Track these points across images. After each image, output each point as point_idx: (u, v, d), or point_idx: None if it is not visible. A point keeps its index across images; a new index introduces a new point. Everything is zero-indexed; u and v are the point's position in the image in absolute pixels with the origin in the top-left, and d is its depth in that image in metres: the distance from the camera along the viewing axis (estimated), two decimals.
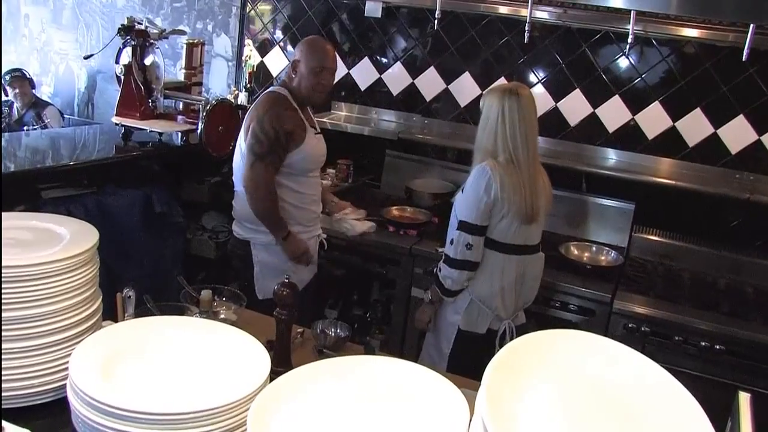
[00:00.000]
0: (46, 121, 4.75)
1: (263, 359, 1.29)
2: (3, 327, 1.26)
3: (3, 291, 1.26)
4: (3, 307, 1.26)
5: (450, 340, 2.79)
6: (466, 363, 2.65)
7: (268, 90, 2.99)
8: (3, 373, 1.28)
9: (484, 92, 2.75)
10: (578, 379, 1.08)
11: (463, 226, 2.64)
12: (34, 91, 4.95)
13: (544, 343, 1.14)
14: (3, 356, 1.27)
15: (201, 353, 1.31)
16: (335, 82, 3.27)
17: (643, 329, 2.94)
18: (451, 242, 2.68)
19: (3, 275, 1.25)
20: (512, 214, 2.63)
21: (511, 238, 2.68)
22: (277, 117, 2.81)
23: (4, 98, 4.87)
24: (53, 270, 1.31)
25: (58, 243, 1.41)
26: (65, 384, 1.24)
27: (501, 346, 2.71)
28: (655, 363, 1.16)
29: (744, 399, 1.09)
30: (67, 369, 1.23)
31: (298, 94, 2.93)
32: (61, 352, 1.34)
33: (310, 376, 1.23)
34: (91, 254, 1.42)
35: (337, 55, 4.15)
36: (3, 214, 1.40)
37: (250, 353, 1.31)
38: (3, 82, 4.83)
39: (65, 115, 5.06)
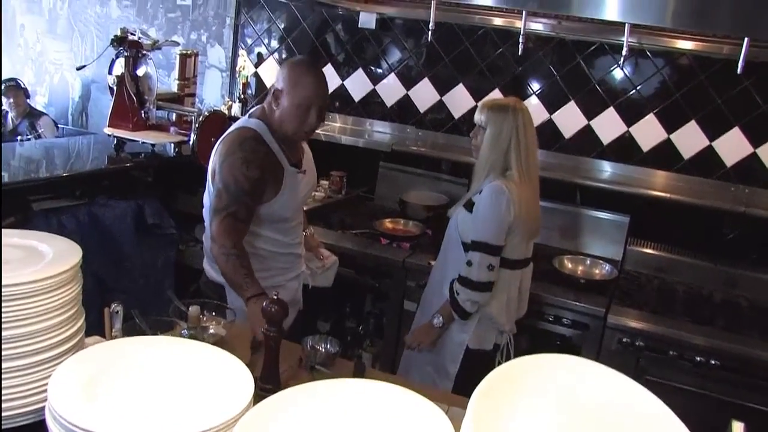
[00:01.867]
0: (40, 131, 4.73)
1: (246, 381, 1.27)
2: None
3: None
4: None
5: (457, 360, 2.75)
6: (474, 381, 2.62)
7: (238, 126, 2.50)
8: None
9: (482, 106, 2.70)
10: (566, 405, 1.06)
11: (483, 247, 2.60)
12: (28, 101, 4.94)
13: (532, 369, 1.12)
14: None
15: (184, 375, 1.29)
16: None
17: (637, 344, 2.92)
18: (469, 264, 2.63)
19: None
20: (524, 230, 2.64)
21: (518, 254, 2.70)
22: (240, 164, 2.34)
23: None
24: (34, 290, 1.29)
25: (39, 261, 1.39)
26: (45, 405, 1.22)
27: (505, 359, 2.74)
28: (645, 389, 1.14)
29: (738, 428, 1.07)
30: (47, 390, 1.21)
31: (278, 129, 2.46)
32: (41, 374, 1.32)
33: (292, 399, 1.20)
34: (73, 273, 1.40)
35: (332, 67, 4.21)
36: None
37: (233, 375, 1.29)
38: None
39: (59, 125, 5.05)
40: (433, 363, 2.83)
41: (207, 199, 2.55)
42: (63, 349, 1.36)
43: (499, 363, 2.75)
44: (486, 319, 2.70)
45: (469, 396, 1.91)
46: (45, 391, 1.22)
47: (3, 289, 1.26)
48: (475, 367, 2.73)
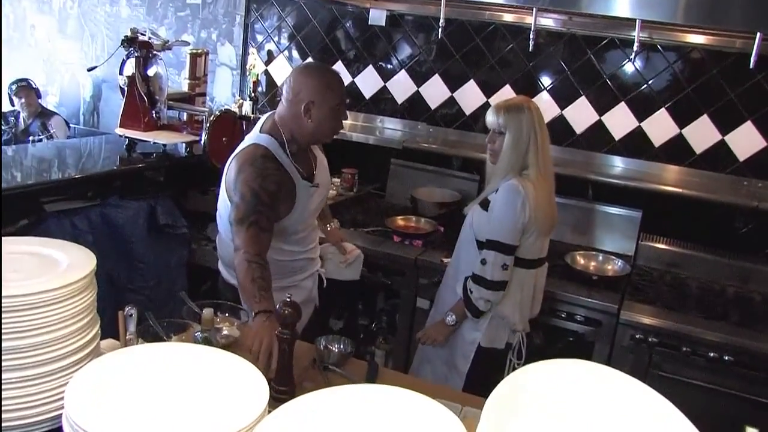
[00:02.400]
0: (52, 131, 4.76)
1: (261, 388, 1.27)
2: None
3: None
4: None
5: (468, 358, 2.76)
6: (485, 379, 2.63)
7: (248, 143, 2.44)
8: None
9: (497, 110, 2.64)
10: (579, 411, 1.06)
11: (498, 246, 2.60)
12: (40, 101, 4.96)
13: (545, 374, 1.12)
14: None
15: (200, 381, 1.29)
16: None
17: (650, 340, 2.91)
18: (483, 262, 2.63)
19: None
20: (539, 229, 2.65)
21: (533, 254, 2.70)
22: (255, 177, 2.30)
23: (10, 108, 4.88)
24: (49, 299, 1.30)
25: (54, 270, 1.40)
26: (62, 413, 1.23)
27: (518, 357, 2.74)
28: (655, 392, 1.13)
29: None
30: (63, 398, 1.22)
31: (304, 139, 2.46)
32: (57, 381, 1.33)
33: (308, 406, 1.21)
34: (88, 281, 1.41)
35: (342, 64, 4.21)
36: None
37: (248, 381, 1.29)
38: (9, 92, 4.84)
39: (71, 125, 5.07)
40: (445, 360, 2.84)
41: (222, 209, 2.51)
42: (79, 356, 1.38)
43: (511, 362, 2.77)
44: (498, 317, 2.70)
45: (480, 394, 1.94)
46: (62, 398, 1.24)
47: (17, 299, 1.27)
48: (486, 366, 2.74)
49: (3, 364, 1.27)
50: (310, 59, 4.31)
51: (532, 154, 2.61)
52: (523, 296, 2.72)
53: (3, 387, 1.27)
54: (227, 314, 2.23)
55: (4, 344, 1.26)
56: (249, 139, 2.48)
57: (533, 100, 2.79)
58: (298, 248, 2.59)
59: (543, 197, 2.63)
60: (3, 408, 1.28)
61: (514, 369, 2.71)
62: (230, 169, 2.39)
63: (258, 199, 2.28)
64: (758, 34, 2.50)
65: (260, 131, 2.47)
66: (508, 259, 2.61)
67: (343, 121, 2.52)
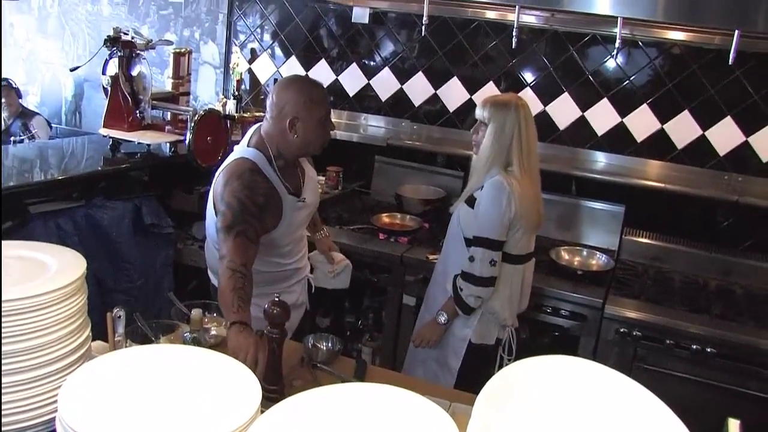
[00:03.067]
0: (34, 132, 4.72)
1: (254, 389, 1.28)
2: None
3: None
4: None
5: (459, 355, 2.78)
6: (476, 375, 2.65)
7: (236, 157, 2.42)
8: None
9: (484, 103, 2.68)
10: (567, 407, 1.08)
11: (485, 242, 2.63)
12: (20, 100, 4.92)
13: (534, 371, 1.14)
14: None
15: (193, 383, 1.30)
16: None
17: (634, 333, 2.95)
18: (471, 259, 2.65)
19: None
20: (525, 225, 2.67)
21: (520, 249, 2.72)
22: (242, 189, 2.27)
23: None
24: (39, 303, 1.30)
25: (44, 274, 1.40)
26: (56, 417, 1.24)
27: (508, 353, 2.76)
28: (643, 387, 1.16)
29: (734, 426, 1.09)
30: (57, 402, 1.22)
31: (291, 155, 2.45)
32: (50, 385, 1.34)
33: (299, 407, 1.22)
34: (78, 285, 1.41)
35: (326, 62, 4.22)
36: None
37: (241, 382, 1.31)
38: None
39: (53, 125, 5.03)
40: (436, 358, 2.86)
41: (210, 219, 2.46)
42: (71, 360, 1.38)
43: (501, 357, 2.79)
44: (489, 313, 2.73)
45: (471, 391, 1.96)
46: (55, 402, 1.24)
47: (8, 304, 1.27)
48: (477, 362, 2.76)
49: None
50: (293, 58, 4.31)
51: (515, 150, 2.63)
52: (512, 291, 2.74)
53: None
54: (215, 314, 2.24)
55: None
56: (237, 152, 2.45)
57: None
58: (285, 260, 2.58)
59: (528, 193, 2.65)
60: None
61: (504, 365, 2.74)
62: (218, 181, 2.35)
63: (245, 208, 2.23)
64: (736, 30, 2.53)
65: (248, 145, 2.45)
66: (496, 254, 2.63)
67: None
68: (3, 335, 1.27)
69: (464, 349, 2.76)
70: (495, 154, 2.64)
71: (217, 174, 2.41)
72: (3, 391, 1.29)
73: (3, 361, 1.28)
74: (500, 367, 2.76)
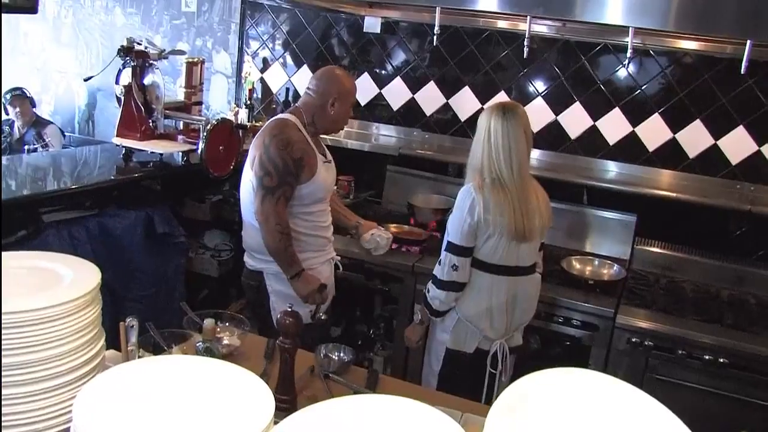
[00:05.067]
0: (47, 140, 4.76)
1: (267, 399, 1.29)
2: (4, 373, 1.26)
3: (3, 337, 1.26)
4: (3, 352, 1.26)
5: (439, 358, 2.80)
6: (455, 381, 2.67)
7: (275, 117, 2.87)
8: (9, 418, 1.28)
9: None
10: (580, 420, 1.08)
11: (449, 246, 2.66)
12: (34, 109, 4.96)
13: (548, 384, 1.14)
14: (7, 402, 1.28)
15: (206, 394, 1.31)
16: None
17: (646, 343, 2.94)
18: (440, 263, 2.70)
19: (2, 321, 1.25)
20: (499, 235, 2.62)
21: (499, 259, 2.66)
22: (285, 144, 2.69)
23: (4, 117, 4.87)
24: (54, 314, 1.31)
25: (58, 284, 1.41)
26: (70, 427, 1.24)
27: (493, 366, 2.74)
28: (652, 398, 1.15)
29: None
30: (71, 412, 1.23)
31: (321, 126, 2.88)
32: (65, 395, 1.34)
33: (315, 418, 1.23)
34: (93, 296, 1.42)
35: None
36: (3, 254, 1.40)
37: (255, 394, 1.31)
38: (3, 101, 4.84)
39: (66, 133, 5.08)
40: (428, 363, 2.90)
41: (249, 189, 2.80)
42: (85, 370, 1.39)
43: (491, 372, 2.76)
44: (464, 321, 2.72)
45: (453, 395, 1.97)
46: (69, 413, 1.25)
47: (24, 315, 1.28)
48: (454, 368, 2.77)
49: (11, 379, 1.28)
50: (305, 67, 4.33)
51: (485, 157, 2.62)
52: (493, 303, 2.69)
53: (12, 402, 1.29)
54: (227, 324, 2.25)
55: (11, 360, 1.27)
56: (275, 117, 2.88)
57: (527, 105, 2.81)
58: (318, 220, 2.90)
59: (501, 202, 2.59)
60: (13, 422, 1.29)
61: (496, 378, 2.74)
62: (260, 137, 2.77)
63: (287, 169, 2.68)
64: (749, 40, 2.53)
65: (282, 114, 2.90)
66: (458, 260, 2.63)
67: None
68: (17, 345, 1.28)
69: (443, 354, 2.78)
70: (472, 160, 2.69)
71: (257, 136, 2.83)
72: (19, 401, 1.30)
73: (17, 372, 1.29)
74: (491, 379, 2.75)
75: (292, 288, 2.80)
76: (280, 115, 2.87)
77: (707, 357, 2.86)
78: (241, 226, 2.97)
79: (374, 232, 3.25)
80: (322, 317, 2.85)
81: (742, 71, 2.63)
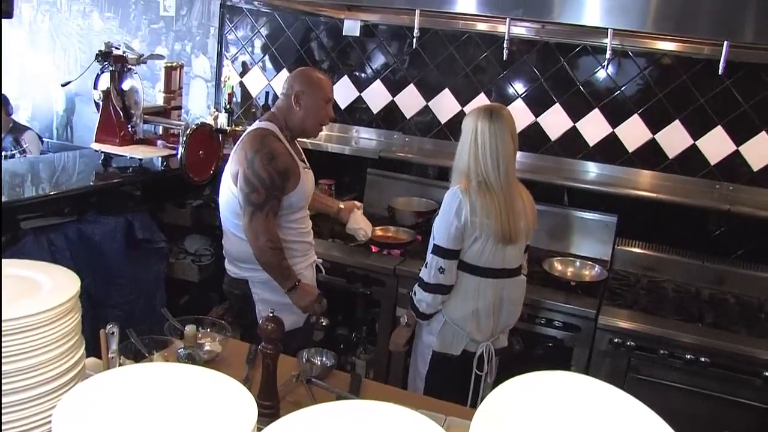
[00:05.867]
0: (25, 146, 4.70)
1: (250, 406, 1.28)
2: None
3: None
4: None
5: (426, 361, 2.79)
6: (442, 384, 2.67)
7: (253, 128, 2.78)
8: None
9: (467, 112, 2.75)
10: (565, 424, 1.08)
11: (435, 249, 2.65)
12: (11, 115, 4.90)
13: (532, 387, 1.14)
14: None
15: (188, 401, 1.29)
16: None
17: (628, 344, 2.95)
18: (426, 266, 2.69)
19: None
20: (486, 237, 2.61)
21: (485, 262, 2.66)
22: (270, 159, 2.63)
23: None
24: (33, 323, 1.29)
25: (38, 293, 1.39)
26: None
27: (479, 368, 2.74)
28: (635, 398, 1.16)
29: None
30: (51, 422, 1.22)
31: (294, 128, 2.80)
32: (45, 405, 1.32)
33: (299, 424, 1.22)
34: (72, 303, 1.41)
35: None
36: None
37: (237, 400, 1.30)
38: None
39: (44, 139, 5.02)
40: (414, 365, 2.90)
41: (230, 199, 2.78)
42: (65, 379, 1.37)
43: (477, 374, 2.76)
44: (452, 324, 2.72)
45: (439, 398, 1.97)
46: (49, 423, 1.23)
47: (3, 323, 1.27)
48: (441, 371, 2.76)
49: None
50: (285, 71, 4.32)
51: (472, 160, 2.62)
52: (480, 306, 2.69)
53: None
54: (209, 330, 2.24)
55: None
56: (251, 126, 2.82)
57: (507, 107, 2.79)
58: (300, 227, 2.86)
59: (488, 204, 2.58)
60: None
61: (481, 380, 2.74)
62: (241, 151, 2.69)
63: (274, 183, 2.63)
64: (725, 41, 2.55)
65: (258, 121, 2.83)
66: (443, 262, 2.63)
67: (320, 132, 2.98)
68: None
69: (430, 356, 2.77)
70: (458, 162, 2.68)
71: (235, 147, 2.77)
72: None
73: None
74: (476, 381, 2.75)
75: (289, 299, 2.77)
76: (258, 124, 2.79)
77: (688, 356, 2.87)
78: (222, 232, 2.94)
79: (352, 224, 3.32)
80: (323, 323, 2.90)
81: (720, 72, 2.65)
